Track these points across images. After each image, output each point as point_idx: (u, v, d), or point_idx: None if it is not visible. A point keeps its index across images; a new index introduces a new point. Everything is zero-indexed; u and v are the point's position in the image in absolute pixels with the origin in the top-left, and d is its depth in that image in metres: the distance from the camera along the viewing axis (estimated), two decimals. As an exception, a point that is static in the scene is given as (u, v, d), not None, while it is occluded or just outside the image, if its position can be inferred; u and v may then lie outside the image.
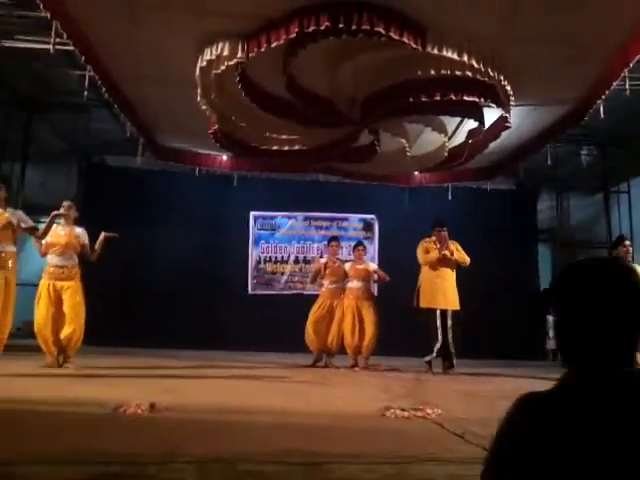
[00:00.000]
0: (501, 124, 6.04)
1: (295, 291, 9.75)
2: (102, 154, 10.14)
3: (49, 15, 4.54)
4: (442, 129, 6.46)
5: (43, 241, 5.63)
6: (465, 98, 5.19)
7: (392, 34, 4.24)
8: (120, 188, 9.45)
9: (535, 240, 10.63)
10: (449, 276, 6.82)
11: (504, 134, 6.33)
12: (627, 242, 6.35)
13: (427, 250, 6.84)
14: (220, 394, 4.29)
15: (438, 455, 2.26)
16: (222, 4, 4.40)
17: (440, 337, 6.55)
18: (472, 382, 5.90)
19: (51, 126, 9.13)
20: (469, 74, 4.77)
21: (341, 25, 4.18)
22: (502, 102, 5.42)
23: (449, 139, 6.81)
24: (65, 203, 5.85)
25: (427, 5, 4.26)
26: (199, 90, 5.36)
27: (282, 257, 10.07)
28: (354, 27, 4.17)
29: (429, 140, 6.89)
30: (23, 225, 5.30)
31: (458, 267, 6.89)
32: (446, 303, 6.68)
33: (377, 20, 4.17)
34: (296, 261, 10.07)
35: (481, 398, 4.45)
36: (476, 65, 4.68)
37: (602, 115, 5.66)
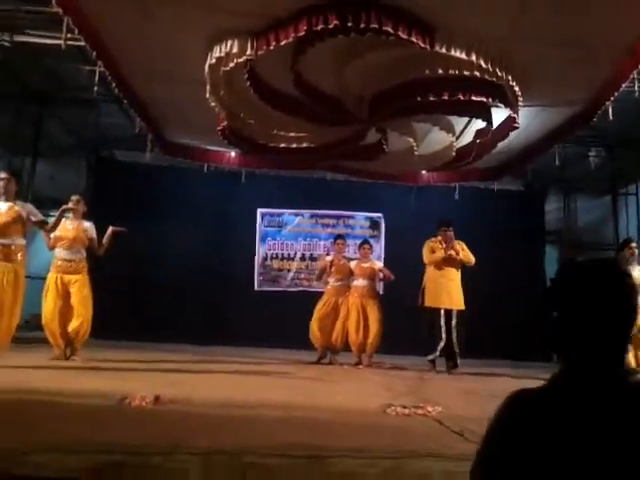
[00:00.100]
0: (509, 124, 6.03)
1: (301, 288, 9.77)
2: (111, 149, 10.21)
3: (61, 11, 4.58)
4: (450, 129, 6.46)
5: (52, 235, 5.69)
6: (473, 98, 5.18)
7: (400, 33, 4.25)
8: (129, 183, 9.51)
9: (542, 241, 10.59)
10: (454, 276, 6.83)
11: (512, 134, 6.32)
12: (633, 244, 6.36)
13: (433, 250, 6.86)
14: (225, 388, 4.33)
15: (436, 451, 2.29)
16: (232, 1, 4.43)
17: (444, 336, 6.57)
18: (475, 381, 5.92)
19: (61, 121, 9.19)
20: (477, 74, 4.77)
21: (349, 24, 4.19)
22: (510, 102, 5.42)
23: (457, 139, 6.81)
24: (73, 197, 5.92)
25: (435, 4, 4.27)
26: (208, 87, 5.39)
27: (288, 254, 10.10)
28: (362, 26, 4.18)
29: (437, 139, 6.89)
30: (33, 218, 5.35)
31: (464, 267, 6.90)
32: (451, 303, 6.70)
33: (385, 19, 4.18)
34: (302, 258, 10.10)
35: (482, 397, 4.47)
36: (484, 65, 4.68)
37: (611, 117, 5.65)
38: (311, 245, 10.12)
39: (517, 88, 5.15)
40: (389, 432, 2.87)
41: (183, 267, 9.38)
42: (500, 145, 6.72)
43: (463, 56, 4.56)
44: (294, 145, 6.84)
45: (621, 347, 1.09)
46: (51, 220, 5.66)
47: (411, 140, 6.73)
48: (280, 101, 5.70)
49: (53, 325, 5.66)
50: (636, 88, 5.38)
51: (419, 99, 5.20)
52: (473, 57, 4.57)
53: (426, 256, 6.88)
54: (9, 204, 5.20)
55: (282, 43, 4.47)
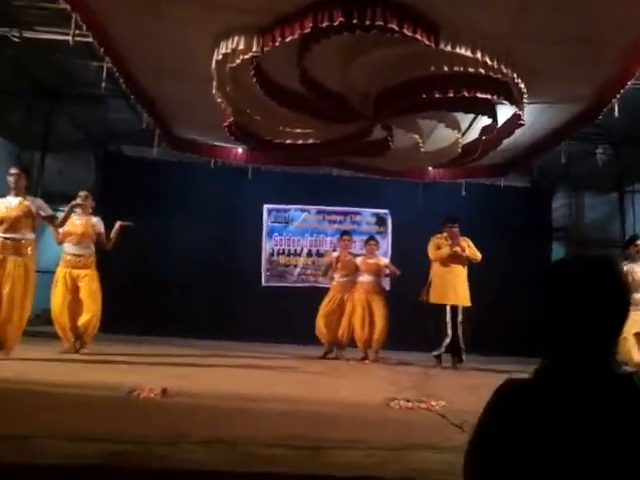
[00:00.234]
0: (515, 121, 6.03)
1: (308, 284, 9.80)
2: (119, 144, 10.27)
3: (69, 7, 4.63)
4: (455, 125, 6.47)
5: (60, 229, 5.77)
6: (478, 95, 5.19)
7: (405, 30, 4.27)
8: (136, 178, 9.56)
9: (549, 238, 10.57)
10: (460, 272, 6.86)
11: (518, 132, 6.32)
12: (639, 242, 6.35)
13: (438, 246, 6.89)
14: (231, 382, 4.39)
15: (438, 444, 2.33)
16: (239, -2, 4.47)
17: (450, 332, 6.60)
18: (480, 377, 5.94)
19: (70, 116, 9.25)
20: (482, 71, 4.78)
21: (355, 21, 4.21)
22: (515, 100, 5.42)
23: (462, 136, 6.82)
24: (81, 193, 5.99)
25: (440, 1, 4.29)
26: (215, 83, 5.42)
27: (295, 250, 10.14)
28: (368, 23, 4.19)
29: (443, 136, 6.89)
30: (42, 213, 5.42)
31: (470, 264, 6.92)
32: (457, 299, 6.73)
33: (391, 16, 4.19)
34: (309, 254, 10.13)
35: (485, 391, 4.45)
36: (489, 62, 4.68)
37: (616, 114, 5.64)
38: (317, 241, 10.16)
39: (522, 85, 5.15)
40: (392, 425, 2.92)
41: (190, 262, 9.44)
42: (505, 142, 6.72)
43: (468, 53, 4.56)
44: (300, 141, 6.86)
45: (609, 341, 1.12)
46: (60, 215, 5.72)
47: (417, 137, 6.74)
48: (286, 97, 5.72)
49: (62, 319, 5.75)
50: (643, 85, 5.39)
51: (424, 96, 5.20)
52: (478, 54, 4.58)
53: (431, 252, 6.91)
54: (19, 199, 5.27)
55: (287, 40, 4.50)
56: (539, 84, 5.37)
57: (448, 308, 6.67)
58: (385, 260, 7.67)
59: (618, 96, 5.41)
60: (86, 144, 10.21)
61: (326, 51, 4.71)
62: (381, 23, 4.19)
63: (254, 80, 5.30)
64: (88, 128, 9.78)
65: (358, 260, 7.33)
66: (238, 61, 4.87)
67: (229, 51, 4.82)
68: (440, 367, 6.57)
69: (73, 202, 5.70)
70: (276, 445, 2.24)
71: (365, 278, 7.19)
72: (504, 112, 5.96)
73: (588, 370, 1.07)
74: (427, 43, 4.42)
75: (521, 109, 5.66)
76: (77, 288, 5.85)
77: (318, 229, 10.20)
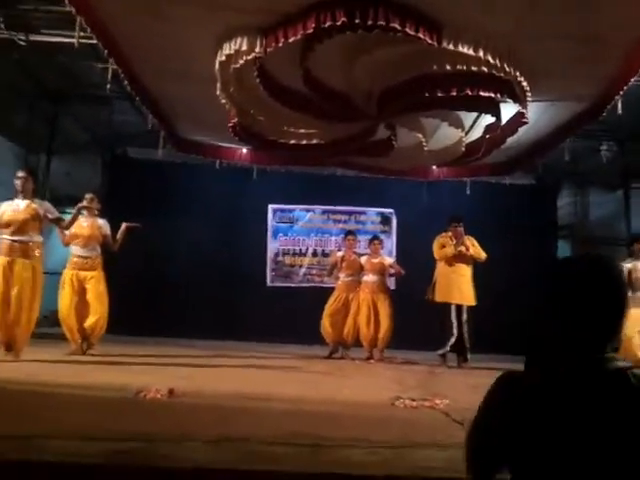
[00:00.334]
0: (518, 120, 6.02)
1: (313, 284, 9.82)
2: (125, 146, 10.31)
3: (74, 10, 4.66)
4: (459, 124, 6.47)
5: (67, 232, 5.81)
6: (481, 93, 5.19)
7: (408, 30, 4.27)
8: (142, 180, 9.61)
9: (555, 236, 10.54)
10: (465, 271, 6.86)
11: (521, 130, 6.31)
12: (642, 240, 6.34)
13: (443, 245, 6.90)
14: (236, 382, 4.42)
15: (441, 441, 2.35)
16: (241, -1, 4.49)
17: (455, 332, 6.61)
18: (485, 376, 5.88)
19: (75, 118, 9.31)
20: (485, 70, 4.79)
21: (357, 20, 4.22)
22: (519, 98, 5.42)
23: (466, 134, 6.82)
24: (87, 195, 6.03)
25: (442, 1, 4.29)
26: (218, 84, 5.44)
27: (300, 250, 10.16)
28: (370, 23, 4.20)
29: (446, 135, 6.89)
30: (49, 216, 5.45)
31: (475, 262, 6.92)
32: (461, 298, 6.73)
33: (393, 16, 4.20)
34: (314, 254, 10.15)
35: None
36: (492, 61, 4.68)
37: (620, 111, 5.63)
38: (322, 241, 10.17)
39: (525, 83, 5.15)
40: (396, 423, 2.93)
41: (196, 263, 9.48)
42: (509, 140, 6.71)
43: (471, 52, 4.57)
44: (304, 141, 6.88)
45: (605, 338, 1.14)
46: (67, 217, 5.76)
47: (420, 136, 6.75)
48: (289, 98, 5.74)
49: (70, 321, 5.79)
50: (646, 82, 5.37)
51: (427, 95, 5.21)
52: (481, 53, 4.58)
53: (436, 252, 6.92)
54: (27, 202, 5.30)
55: (290, 40, 4.51)
56: (542, 82, 5.36)
57: (453, 307, 6.68)
58: (389, 259, 7.68)
59: (621, 93, 5.40)
60: (92, 146, 10.26)
61: (329, 51, 4.72)
62: (383, 22, 4.20)
63: (258, 81, 5.32)
64: (94, 130, 9.84)
65: (363, 259, 7.35)
66: (241, 62, 4.89)
67: (232, 52, 4.84)
68: (445, 366, 6.58)
69: (80, 204, 5.74)
70: (278, 443, 2.26)
71: (370, 277, 7.20)
72: (508, 110, 5.96)
73: (580, 365, 1.11)
74: (430, 42, 4.43)
75: (524, 107, 5.65)
76: (84, 290, 5.89)
77: (323, 229, 10.22)
